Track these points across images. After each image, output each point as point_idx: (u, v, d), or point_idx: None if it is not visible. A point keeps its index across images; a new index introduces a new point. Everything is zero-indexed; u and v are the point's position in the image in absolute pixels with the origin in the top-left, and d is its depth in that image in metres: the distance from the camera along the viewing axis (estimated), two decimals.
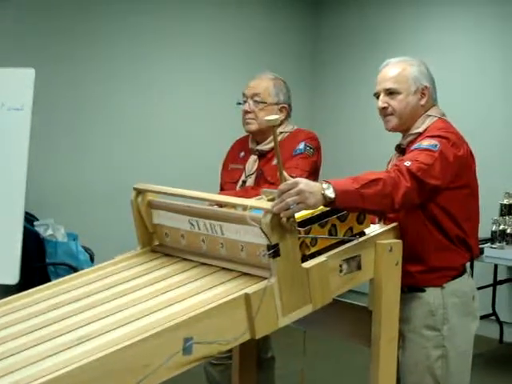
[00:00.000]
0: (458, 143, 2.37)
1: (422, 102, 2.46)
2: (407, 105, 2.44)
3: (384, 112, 2.48)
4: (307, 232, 2.10)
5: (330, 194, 2.02)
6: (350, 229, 2.25)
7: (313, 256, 2.12)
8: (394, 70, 2.47)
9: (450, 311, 2.39)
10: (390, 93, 2.45)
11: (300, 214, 2.09)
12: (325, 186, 2.03)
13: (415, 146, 2.37)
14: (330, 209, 2.14)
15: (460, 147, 2.37)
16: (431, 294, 2.39)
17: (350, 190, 2.07)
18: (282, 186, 1.97)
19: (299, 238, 2.05)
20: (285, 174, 2.02)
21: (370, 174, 2.16)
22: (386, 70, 2.49)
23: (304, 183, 1.97)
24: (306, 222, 2.11)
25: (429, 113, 2.48)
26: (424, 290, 2.39)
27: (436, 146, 2.30)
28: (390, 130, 2.51)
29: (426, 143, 2.33)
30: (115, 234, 4.57)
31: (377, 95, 2.50)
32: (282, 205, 1.94)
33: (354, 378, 4.01)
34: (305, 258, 2.09)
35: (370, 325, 2.30)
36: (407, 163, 2.23)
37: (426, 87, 2.47)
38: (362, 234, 2.29)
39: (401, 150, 2.51)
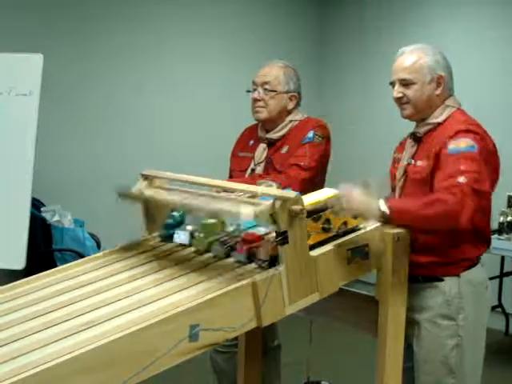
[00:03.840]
0: (484, 135, 2.38)
1: (438, 91, 2.44)
2: (422, 94, 2.42)
3: (399, 101, 2.46)
4: None
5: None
6: (345, 223, 2.22)
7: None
8: (409, 59, 2.44)
9: (466, 300, 2.38)
10: (405, 83, 2.43)
11: None
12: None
13: (452, 148, 2.30)
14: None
15: (486, 139, 2.37)
16: (448, 284, 2.38)
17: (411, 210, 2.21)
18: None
19: None
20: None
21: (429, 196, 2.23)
22: (401, 59, 2.46)
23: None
24: None
25: (447, 103, 2.46)
26: (442, 279, 2.38)
27: (473, 147, 2.29)
28: (405, 118, 2.50)
29: (463, 145, 2.29)
30: (121, 221, 4.55)
31: (392, 84, 2.49)
32: None
33: (360, 367, 4.01)
34: None
35: (377, 315, 2.29)
36: (462, 180, 2.20)
37: (441, 76, 2.44)
38: (356, 228, 2.25)
39: (416, 138, 2.49)
